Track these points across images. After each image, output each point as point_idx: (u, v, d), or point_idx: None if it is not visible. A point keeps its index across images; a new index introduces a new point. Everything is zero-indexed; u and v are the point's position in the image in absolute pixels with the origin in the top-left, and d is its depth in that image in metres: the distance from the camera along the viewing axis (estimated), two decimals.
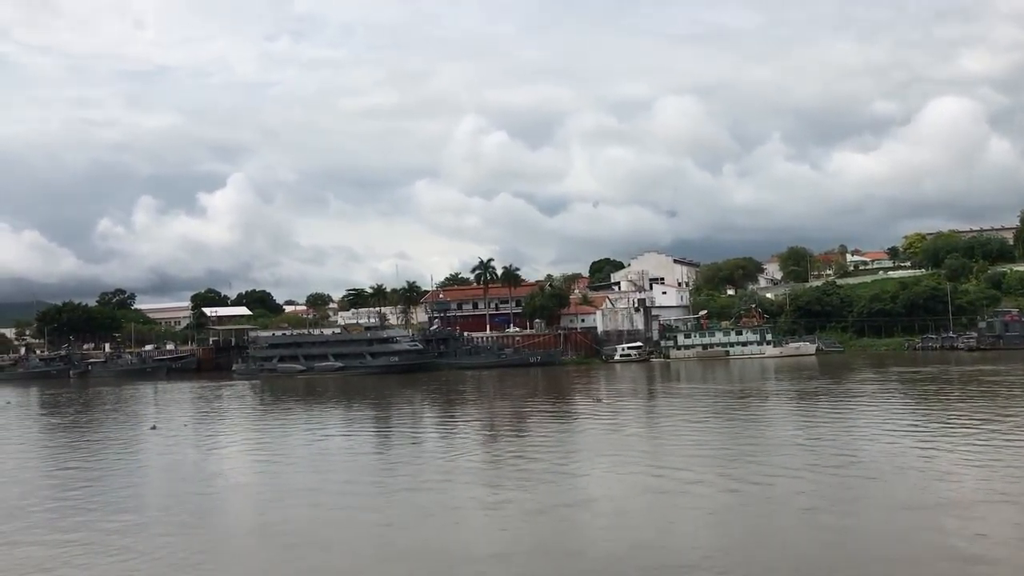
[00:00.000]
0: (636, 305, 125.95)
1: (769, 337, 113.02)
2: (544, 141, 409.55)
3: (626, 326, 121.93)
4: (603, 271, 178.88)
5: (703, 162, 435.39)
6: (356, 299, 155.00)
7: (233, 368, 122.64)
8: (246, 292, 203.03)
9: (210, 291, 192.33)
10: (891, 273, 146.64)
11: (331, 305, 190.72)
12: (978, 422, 41.71)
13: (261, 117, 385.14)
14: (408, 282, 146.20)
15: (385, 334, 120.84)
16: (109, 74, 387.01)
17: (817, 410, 50.35)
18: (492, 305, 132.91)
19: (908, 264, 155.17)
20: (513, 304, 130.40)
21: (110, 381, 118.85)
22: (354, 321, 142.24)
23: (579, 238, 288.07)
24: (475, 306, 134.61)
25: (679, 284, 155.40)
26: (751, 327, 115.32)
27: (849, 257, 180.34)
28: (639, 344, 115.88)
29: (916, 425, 42.15)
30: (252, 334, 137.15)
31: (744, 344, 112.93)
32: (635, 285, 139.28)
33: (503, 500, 28.78)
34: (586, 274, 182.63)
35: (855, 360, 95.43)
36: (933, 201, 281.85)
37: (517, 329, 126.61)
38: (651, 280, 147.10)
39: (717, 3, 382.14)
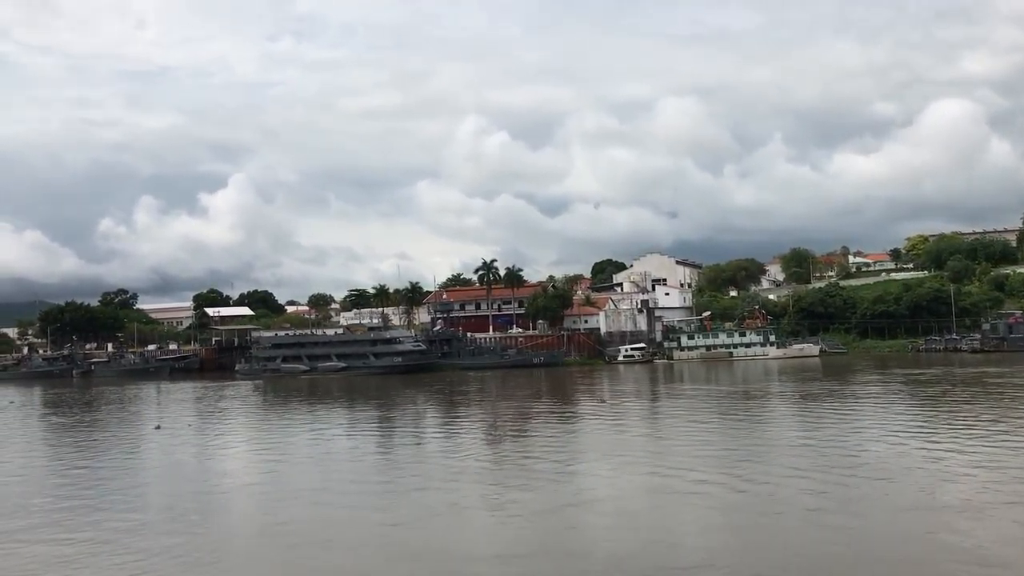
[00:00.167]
0: (639, 306, 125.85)
1: (773, 338, 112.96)
2: (545, 142, 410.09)
3: (629, 327, 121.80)
4: (605, 272, 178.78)
5: (704, 163, 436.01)
6: (358, 299, 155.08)
7: (236, 368, 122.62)
8: (248, 292, 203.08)
9: (212, 291, 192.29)
10: (894, 275, 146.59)
11: (333, 305, 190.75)
12: (984, 423, 41.68)
13: (262, 117, 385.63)
14: (411, 282, 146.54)
15: (388, 334, 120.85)
16: (109, 74, 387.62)
17: (822, 411, 50.29)
18: (495, 306, 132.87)
19: (910, 266, 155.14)
20: (516, 305, 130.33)
21: (113, 381, 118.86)
22: (356, 321, 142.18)
23: (580, 239, 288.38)
24: (478, 307, 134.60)
25: (681, 285, 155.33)
26: (755, 328, 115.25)
27: (851, 259, 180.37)
28: (642, 345, 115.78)
29: (922, 426, 42.12)
30: (255, 334, 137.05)
31: (748, 345, 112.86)
32: (638, 286, 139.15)
33: (509, 500, 28.78)
34: (587, 275, 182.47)
35: (859, 362, 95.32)
36: (933, 203, 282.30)
37: (520, 330, 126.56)
38: (653, 281, 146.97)
39: (718, 4, 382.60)
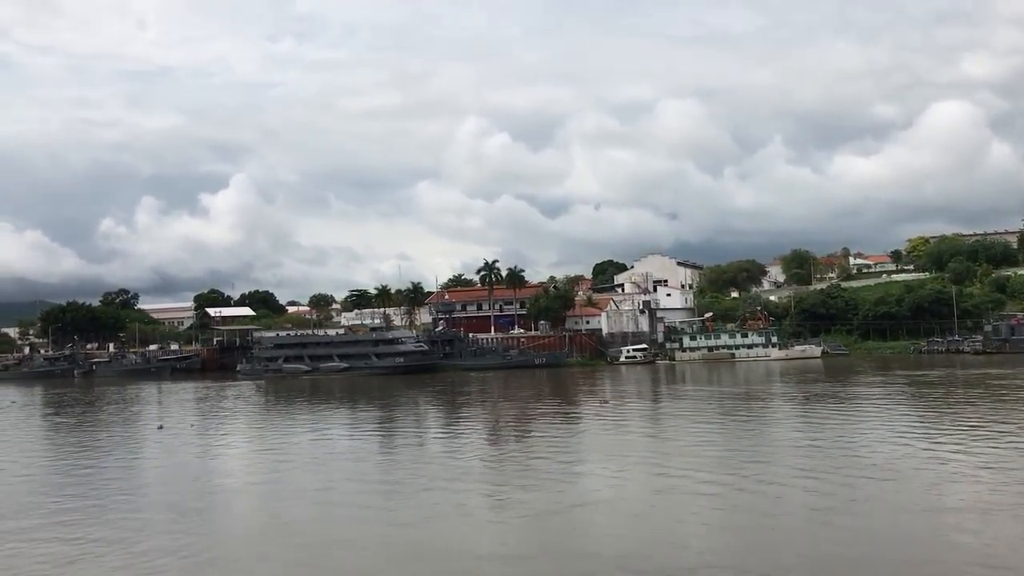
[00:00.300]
0: (641, 307, 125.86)
1: (775, 340, 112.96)
2: (546, 143, 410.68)
3: (631, 328, 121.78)
4: (606, 273, 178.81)
5: (704, 165, 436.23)
6: (359, 300, 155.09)
7: (237, 368, 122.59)
8: (249, 292, 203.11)
9: (213, 291, 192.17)
10: (895, 276, 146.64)
11: (334, 306, 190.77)
12: (989, 425, 41.65)
13: (262, 118, 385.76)
14: (412, 283, 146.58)
15: (390, 335, 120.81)
16: (110, 74, 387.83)
17: (826, 412, 50.25)
18: (496, 307, 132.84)
19: (911, 267, 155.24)
20: (517, 306, 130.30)
21: (114, 381, 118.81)
22: (357, 322, 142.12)
23: (580, 240, 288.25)
24: (479, 307, 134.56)
25: (682, 286, 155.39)
26: (756, 329, 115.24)
27: (852, 260, 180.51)
28: (644, 346, 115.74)
29: (927, 428, 42.09)
30: (256, 334, 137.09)
31: (750, 347, 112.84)
32: (639, 287, 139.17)
33: (514, 500, 28.80)
34: (588, 276, 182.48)
35: (861, 363, 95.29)
36: (934, 205, 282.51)
37: (522, 331, 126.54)
38: (654, 282, 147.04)
39: (718, 6, 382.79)
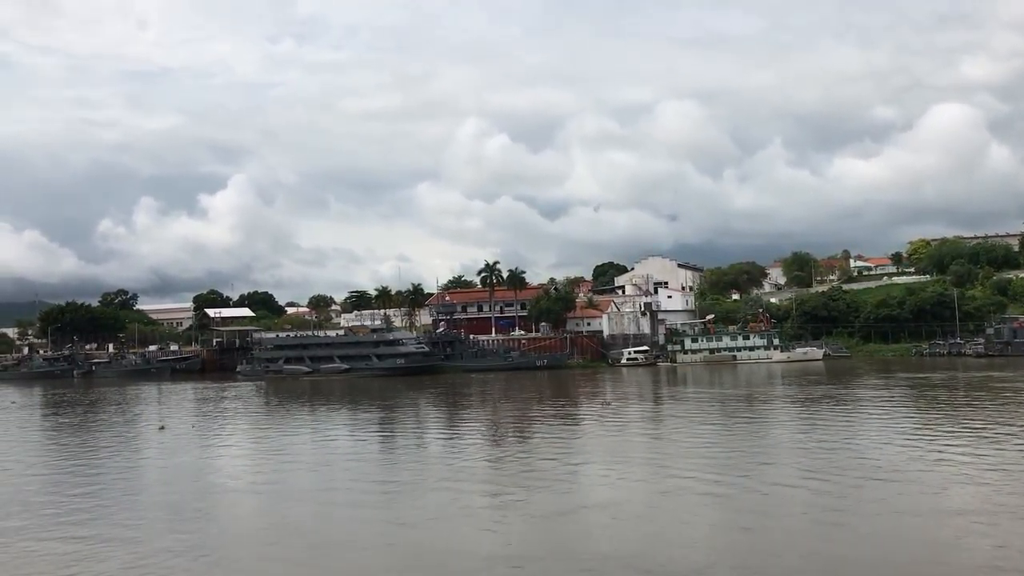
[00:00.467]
0: (642, 309, 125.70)
1: (776, 342, 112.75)
2: (545, 144, 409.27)
3: (632, 330, 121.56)
4: (607, 275, 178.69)
5: (704, 167, 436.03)
6: (359, 301, 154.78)
7: (237, 369, 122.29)
8: (248, 293, 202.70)
9: (212, 292, 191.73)
10: (896, 279, 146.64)
11: (333, 307, 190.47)
12: (994, 427, 41.60)
13: (263, 118, 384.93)
14: (413, 284, 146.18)
15: (391, 336, 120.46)
16: (110, 74, 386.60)
17: (830, 415, 50.15)
18: (497, 308, 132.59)
19: (912, 270, 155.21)
20: (518, 307, 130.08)
21: (114, 382, 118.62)
22: (357, 323, 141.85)
23: (580, 242, 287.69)
24: (480, 309, 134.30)
25: (683, 288, 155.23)
26: (758, 332, 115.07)
27: (852, 263, 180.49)
28: (646, 348, 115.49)
29: (932, 430, 41.97)
30: (256, 335, 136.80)
31: (751, 349, 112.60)
32: (640, 289, 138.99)
33: (518, 501, 28.71)
34: (588, 277, 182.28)
35: (863, 366, 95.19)
36: (933, 207, 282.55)
37: (522, 332, 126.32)
38: (655, 284, 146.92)
39: (719, 8, 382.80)
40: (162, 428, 55.64)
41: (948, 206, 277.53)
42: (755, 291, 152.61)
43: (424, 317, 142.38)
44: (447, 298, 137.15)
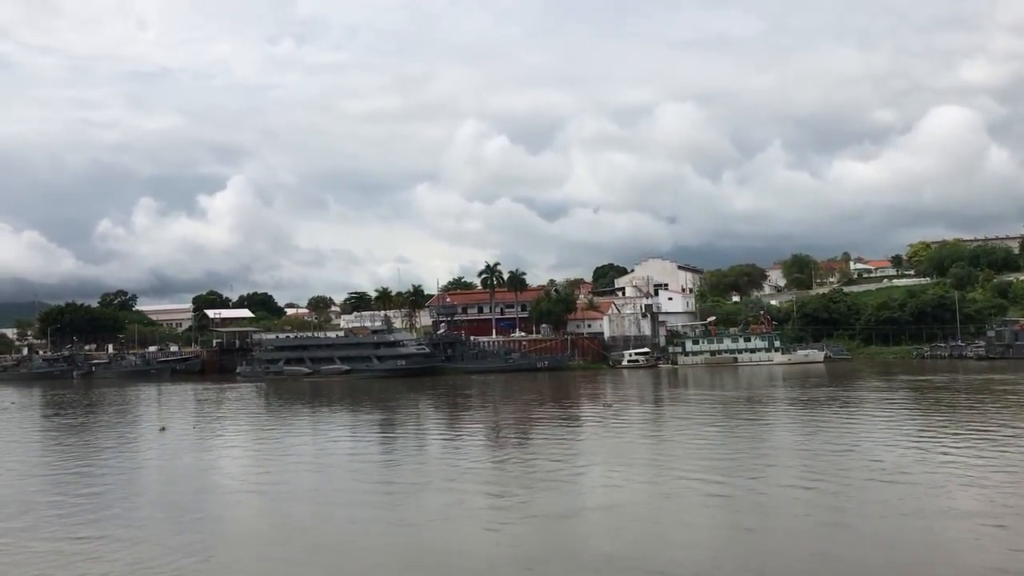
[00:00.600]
0: (643, 311, 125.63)
1: (777, 344, 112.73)
2: (545, 146, 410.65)
3: (633, 332, 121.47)
4: (607, 277, 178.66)
5: (703, 169, 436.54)
6: (359, 302, 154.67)
7: (237, 370, 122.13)
8: (247, 294, 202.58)
9: (211, 293, 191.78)
10: (897, 281, 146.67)
11: (332, 308, 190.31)
12: (997, 429, 41.53)
13: (262, 119, 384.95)
14: (413, 285, 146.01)
15: (392, 337, 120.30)
16: (110, 75, 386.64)
17: (832, 417, 50.09)
18: (497, 309, 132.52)
19: (912, 272, 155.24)
20: (519, 309, 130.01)
21: (114, 382, 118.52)
22: (356, 324, 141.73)
23: (579, 243, 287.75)
24: (480, 310, 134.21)
25: (683, 290, 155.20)
26: (759, 334, 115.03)
27: (852, 265, 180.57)
28: (647, 350, 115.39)
29: (935, 432, 41.91)
30: (256, 336, 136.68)
31: (752, 351, 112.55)
32: (641, 291, 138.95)
33: (522, 503, 28.63)
34: (587, 279, 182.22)
35: (864, 368, 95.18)
36: (933, 210, 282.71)
37: (523, 334, 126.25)
38: (655, 286, 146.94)
39: (719, 10, 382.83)
40: (163, 429, 55.51)
41: (948, 209, 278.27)
42: (755, 293, 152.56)
43: (424, 318, 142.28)
44: (447, 299, 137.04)
